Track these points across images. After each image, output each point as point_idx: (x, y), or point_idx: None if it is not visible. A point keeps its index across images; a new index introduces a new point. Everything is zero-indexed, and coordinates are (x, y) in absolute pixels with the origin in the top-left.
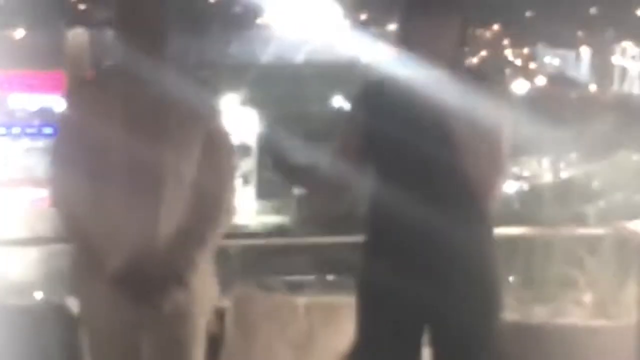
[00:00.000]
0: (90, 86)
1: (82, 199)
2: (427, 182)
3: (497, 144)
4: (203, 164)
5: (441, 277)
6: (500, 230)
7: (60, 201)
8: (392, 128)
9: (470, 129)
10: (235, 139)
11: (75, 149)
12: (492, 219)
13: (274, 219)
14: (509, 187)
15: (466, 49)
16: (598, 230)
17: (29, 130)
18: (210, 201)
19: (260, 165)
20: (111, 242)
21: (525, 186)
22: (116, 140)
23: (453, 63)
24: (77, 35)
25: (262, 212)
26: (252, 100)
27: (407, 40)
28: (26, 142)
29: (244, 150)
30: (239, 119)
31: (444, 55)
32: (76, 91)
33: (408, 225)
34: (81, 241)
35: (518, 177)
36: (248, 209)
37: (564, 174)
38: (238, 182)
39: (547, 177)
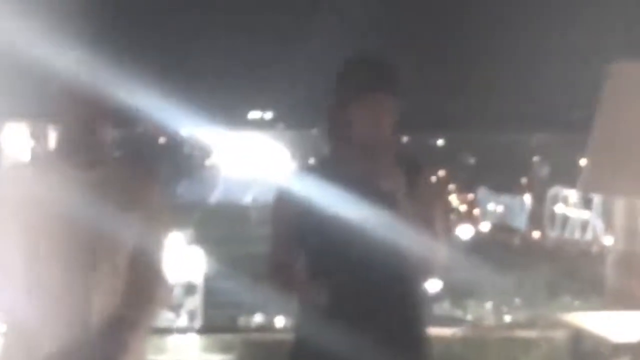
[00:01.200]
0: (24, 170)
1: (16, 286)
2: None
3: (432, 232)
4: (139, 244)
5: None
6: (435, 330)
7: None
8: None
9: (404, 222)
10: (181, 277)
11: (9, 234)
12: (425, 315)
13: (219, 357)
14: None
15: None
16: (531, 333)
17: None
18: (145, 285)
19: (206, 303)
20: (44, 328)
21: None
22: (52, 224)
23: (390, 147)
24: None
25: (207, 349)
26: (199, 239)
27: (350, 121)
28: None
29: (190, 289)
30: (186, 258)
31: (385, 137)
32: (9, 175)
33: (341, 321)
34: (16, 326)
35: (461, 321)
36: (192, 347)
37: (507, 318)
38: (183, 320)
39: (490, 321)
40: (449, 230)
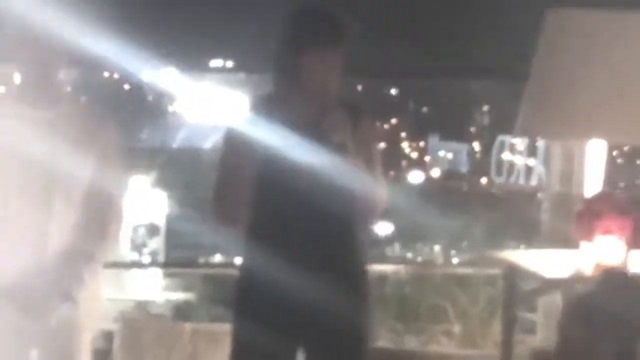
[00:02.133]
0: None
1: None
2: (306, 223)
3: (371, 174)
4: (93, 181)
5: (314, 303)
6: (375, 267)
7: None
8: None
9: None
10: (145, 218)
11: None
12: (365, 252)
13: (180, 295)
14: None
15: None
16: (470, 270)
17: None
18: (99, 220)
19: (168, 244)
20: (4, 260)
21: (416, 272)
22: (9, 161)
23: (335, 95)
24: None
25: (168, 288)
26: (162, 183)
27: (303, 73)
28: None
29: (153, 229)
30: (149, 200)
31: (334, 86)
32: None
33: (284, 256)
34: None
35: (411, 262)
36: (154, 285)
37: (455, 260)
38: (146, 259)
39: (439, 263)
40: (395, 173)
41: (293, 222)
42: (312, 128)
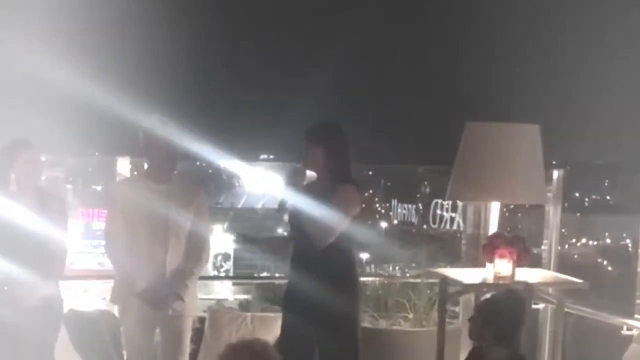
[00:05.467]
0: (127, 182)
1: (122, 250)
2: (310, 260)
3: (342, 214)
4: (192, 227)
5: (320, 296)
6: (363, 278)
7: (110, 253)
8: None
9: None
10: (222, 250)
11: (118, 219)
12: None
13: (243, 296)
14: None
15: (335, 169)
16: (417, 279)
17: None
18: (197, 251)
19: (236, 265)
20: (140, 274)
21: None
22: (143, 215)
23: (324, 173)
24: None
25: (236, 292)
26: (231, 229)
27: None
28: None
29: (227, 257)
30: (224, 239)
31: (315, 167)
32: (118, 185)
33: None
34: (123, 274)
35: (382, 275)
36: (227, 290)
37: (408, 274)
38: (223, 275)
39: (399, 276)
40: (372, 222)
41: (297, 239)
42: (313, 189)
